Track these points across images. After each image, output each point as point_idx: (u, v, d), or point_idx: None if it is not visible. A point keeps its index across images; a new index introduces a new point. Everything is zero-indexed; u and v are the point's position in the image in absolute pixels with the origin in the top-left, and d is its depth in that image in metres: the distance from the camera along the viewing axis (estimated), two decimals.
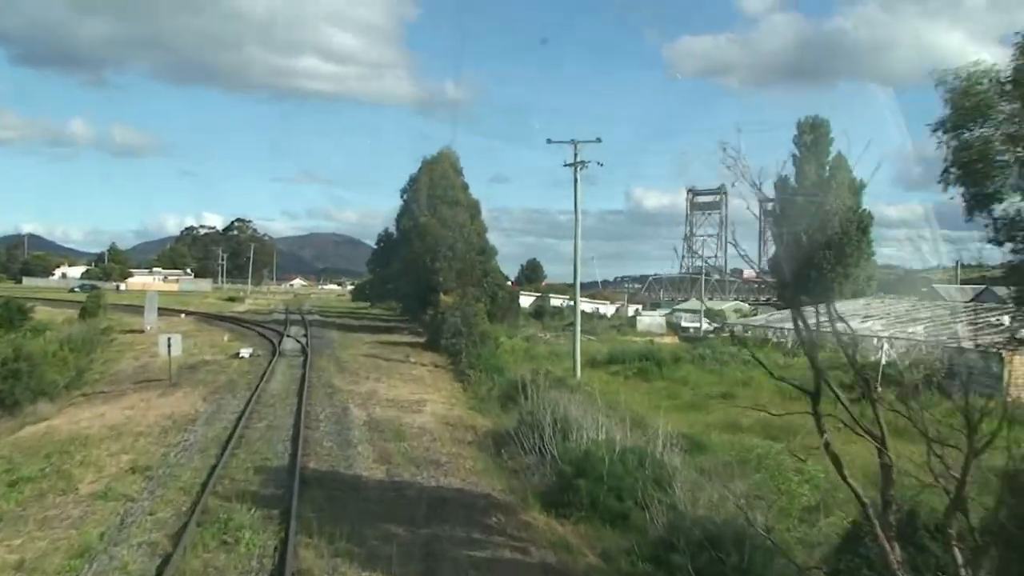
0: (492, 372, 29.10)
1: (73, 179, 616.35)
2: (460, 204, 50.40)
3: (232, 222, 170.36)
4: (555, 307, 71.14)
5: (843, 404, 7.86)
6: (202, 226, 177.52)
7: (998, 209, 7.77)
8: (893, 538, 7.83)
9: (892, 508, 8.02)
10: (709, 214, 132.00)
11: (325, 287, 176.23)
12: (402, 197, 54.39)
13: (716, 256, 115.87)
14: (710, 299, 70.03)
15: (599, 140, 33.77)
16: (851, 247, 48.57)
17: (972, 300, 49.24)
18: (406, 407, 23.22)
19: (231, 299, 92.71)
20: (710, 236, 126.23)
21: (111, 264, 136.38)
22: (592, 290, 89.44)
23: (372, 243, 67.14)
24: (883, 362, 27.01)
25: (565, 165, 33.26)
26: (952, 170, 7.65)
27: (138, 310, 50.54)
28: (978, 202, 7.64)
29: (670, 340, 53.29)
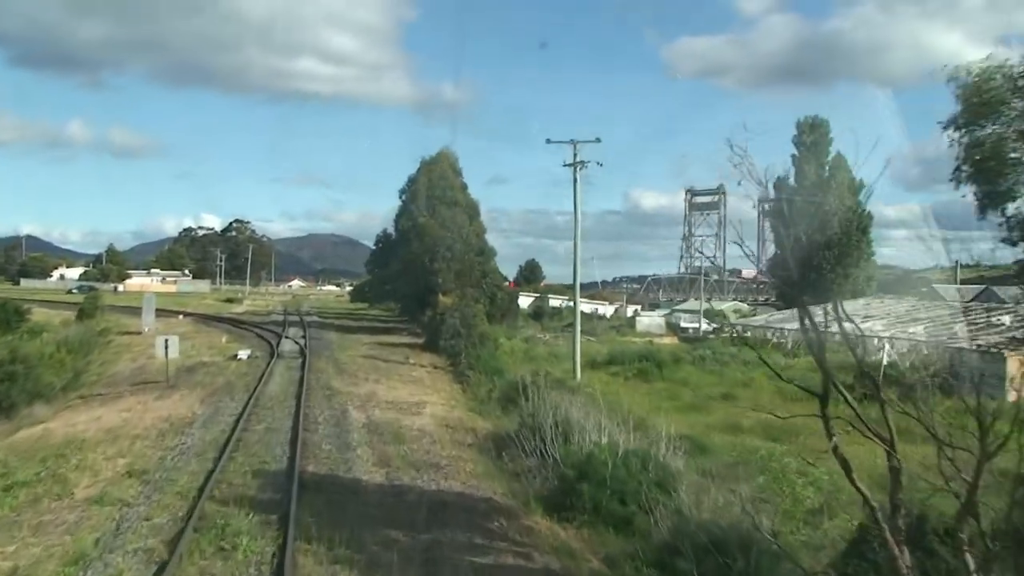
0: (492, 373, 28.95)
1: (71, 180, 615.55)
2: (459, 205, 50.25)
3: (230, 223, 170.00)
4: (554, 308, 70.98)
5: (852, 407, 7.73)
6: (200, 227, 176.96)
7: (1011, 207, 7.62)
8: (902, 543, 7.69)
9: (901, 512, 7.88)
10: (707, 214, 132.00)
11: (323, 288, 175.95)
12: (401, 198, 54.30)
13: (715, 256, 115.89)
14: (709, 299, 69.83)
15: (598, 140, 33.70)
16: (851, 247, 48.46)
17: (972, 300, 49.19)
18: (405, 409, 23.05)
19: (229, 300, 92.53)
20: (709, 236, 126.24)
21: (109, 265, 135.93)
22: (591, 291, 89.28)
23: (371, 244, 67.01)
24: (884, 363, 26.89)
25: (564, 165, 33.16)
26: (964, 168, 7.50)
27: (136, 311, 50.36)
28: (991, 200, 7.48)
29: (669, 341, 53.19)
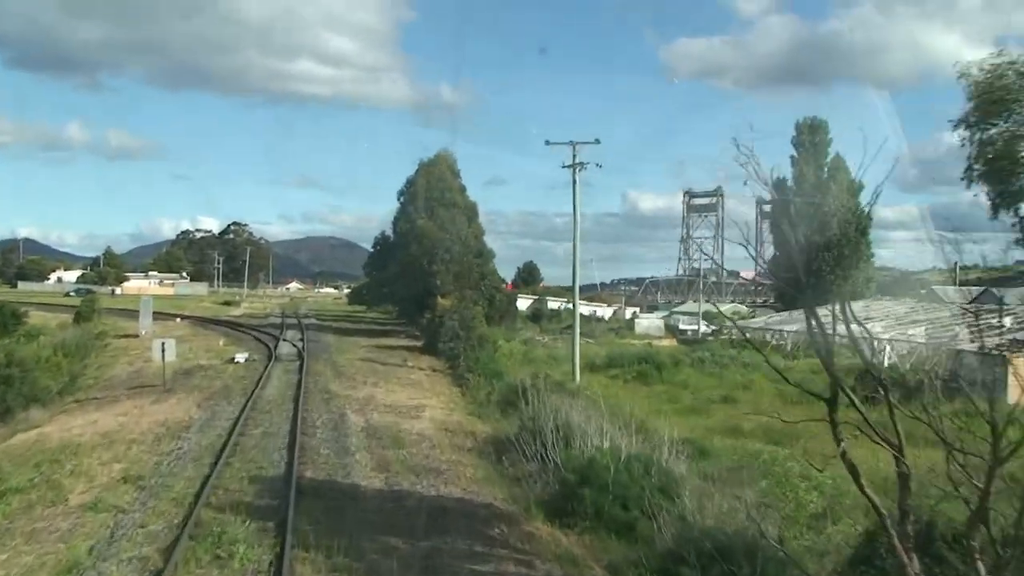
0: (491, 376, 28.75)
1: (69, 183, 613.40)
2: (457, 206, 50.07)
3: (228, 226, 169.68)
4: (552, 310, 70.85)
5: (860, 412, 7.57)
6: (198, 230, 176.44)
7: None
8: (911, 549, 7.55)
9: (910, 518, 7.74)
10: (706, 216, 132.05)
11: (321, 291, 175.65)
12: (399, 200, 54.07)
13: (713, 258, 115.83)
14: (707, 301, 69.74)
15: (598, 141, 33.57)
16: (850, 249, 48.33)
17: (972, 302, 48.98)
18: (404, 413, 22.88)
19: (227, 303, 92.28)
20: (707, 238, 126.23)
21: (107, 268, 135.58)
22: (590, 292, 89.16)
23: (369, 246, 66.72)
24: (885, 365, 26.78)
25: (564, 167, 33.04)
26: (975, 167, 7.33)
27: (133, 314, 50.20)
28: (1003, 200, 7.32)
29: (668, 343, 53.15)
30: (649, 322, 67.63)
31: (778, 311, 60.01)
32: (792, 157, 62.30)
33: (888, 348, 33.88)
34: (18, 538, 11.67)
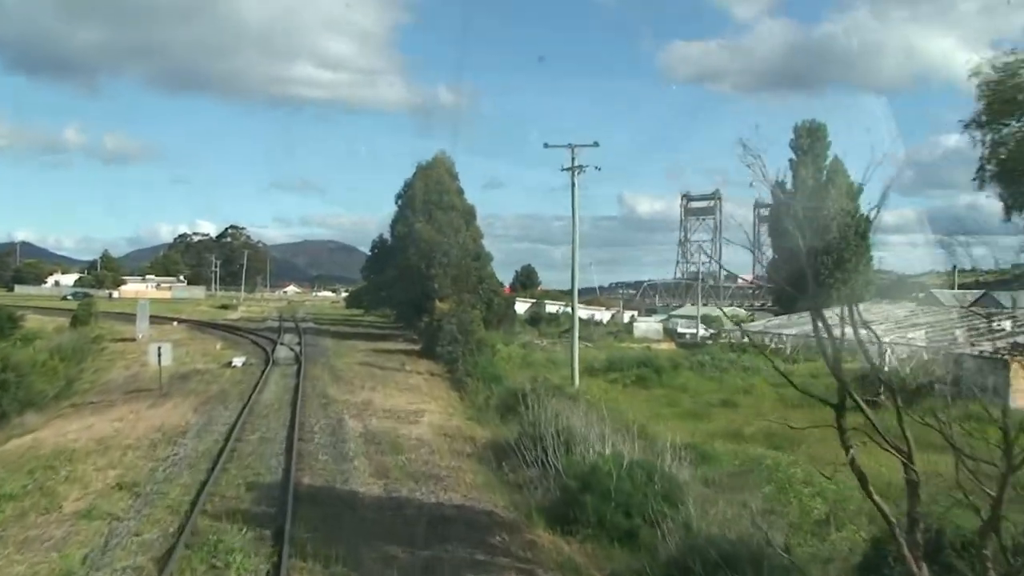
0: (490, 380, 28.59)
1: (66, 186, 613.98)
2: (455, 209, 49.91)
3: (225, 229, 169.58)
4: (551, 313, 70.73)
5: (869, 418, 7.43)
6: (195, 233, 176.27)
7: None
8: (920, 558, 7.41)
9: (920, 526, 7.59)
10: (703, 219, 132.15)
11: (319, 294, 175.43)
12: (397, 203, 53.86)
13: (710, 261, 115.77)
14: (705, 305, 69.67)
15: (596, 144, 33.31)
16: (849, 251, 48.55)
17: (971, 305, 49.01)
18: (403, 418, 22.68)
19: (224, 306, 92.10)
20: (705, 241, 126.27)
21: (104, 272, 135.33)
22: (589, 296, 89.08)
23: (366, 250, 66.60)
24: (885, 368, 26.63)
25: (563, 169, 32.81)
26: (988, 167, 7.17)
27: (130, 318, 50.01)
28: (1016, 201, 7.15)
29: (667, 346, 53.06)
30: (647, 326, 67.48)
31: (776, 315, 59.93)
32: (791, 160, 62.15)
33: (888, 352, 33.73)
34: (10, 547, 11.44)
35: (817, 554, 11.78)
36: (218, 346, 42.39)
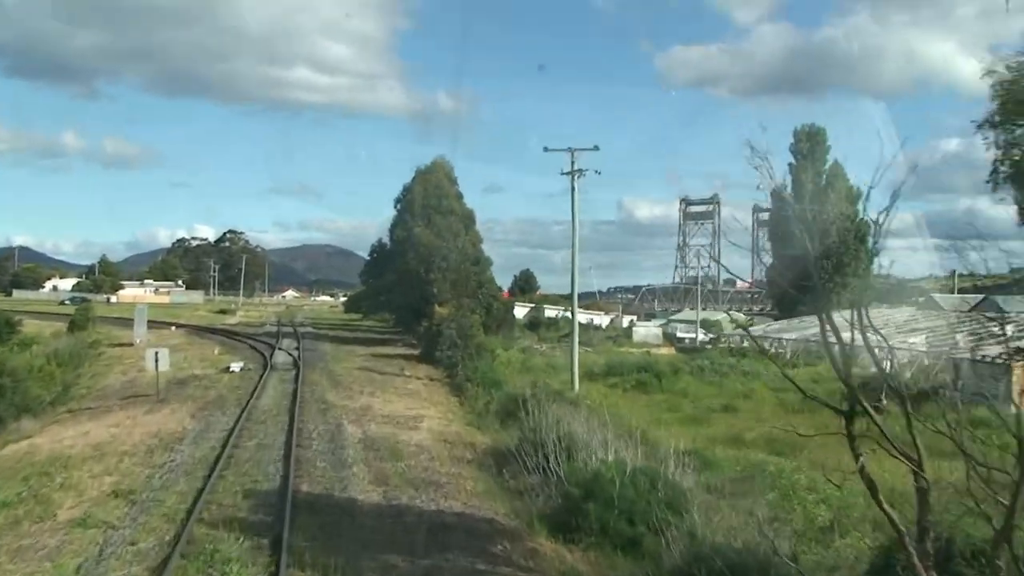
0: (489, 385, 28.43)
1: (64, 191, 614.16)
2: (455, 214, 49.75)
3: (224, 234, 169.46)
4: (550, 318, 70.56)
5: (878, 426, 7.29)
6: (194, 238, 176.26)
7: None
8: (931, 568, 7.25)
9: (930, 535, 7.44)
10: (702, 224, 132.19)
11: (318, 299, 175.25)
12: (396, 207, 53.70)
13: (709, 265, 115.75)
14: (704, 309, 69.57)
15: (596, 148, 33.22)
16: (849, 256, 48.47)
17: (971, 309, 48.83)
18: (402, 423, 22.50)
19: (223, 311, 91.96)
20: (704, 246, 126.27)
21: (102, 276, 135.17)
22: (588, 300, 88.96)
23: (365, 254, 66.53)
24: (892, 373, 26.33)
25: (563, 173, 32.69)
26: (1002, 168, 7.01)
27: (128, 323, 49.87)
28: None
29: (666, 351, 52.85)
30: (647, 330, 67.34)
31: (776, 319, 59.77)
32: (790, 165, 62.03)
33: (889, 356, 33.59)
34: (3, 556, 11.28)
35: (822, 562, 11.62)
36: (216, 351, 42.22)
